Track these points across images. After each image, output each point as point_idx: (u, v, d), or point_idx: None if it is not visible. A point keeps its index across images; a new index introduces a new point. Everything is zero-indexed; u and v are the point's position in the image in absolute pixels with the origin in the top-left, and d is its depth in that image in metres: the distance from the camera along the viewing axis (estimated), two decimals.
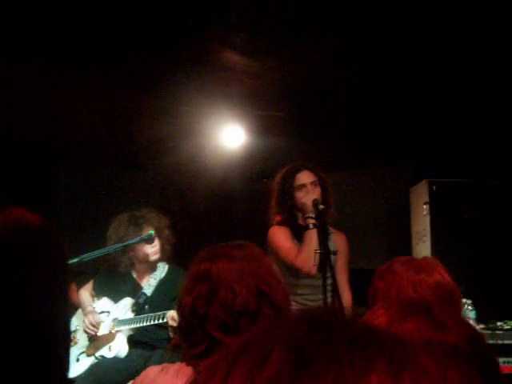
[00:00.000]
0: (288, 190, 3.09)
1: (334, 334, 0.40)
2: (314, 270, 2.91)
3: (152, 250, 3.23)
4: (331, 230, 3.22)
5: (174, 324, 2.90)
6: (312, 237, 2.92)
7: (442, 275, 1.61)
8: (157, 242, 3.25)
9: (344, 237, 3.26)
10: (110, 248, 2.97)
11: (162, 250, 3.30)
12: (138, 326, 3.05)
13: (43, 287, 0.72)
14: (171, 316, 2.90)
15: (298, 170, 3.11)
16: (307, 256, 2.91)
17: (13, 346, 0.67)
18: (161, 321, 2.96)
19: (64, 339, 0.78)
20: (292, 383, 0.36)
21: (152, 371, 1.43)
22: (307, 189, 3.04)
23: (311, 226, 2.95)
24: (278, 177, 3.19)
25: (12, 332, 0.68)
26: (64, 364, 0.77)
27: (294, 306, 3.05)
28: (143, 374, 1.45)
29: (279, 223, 3.17)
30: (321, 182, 3.11)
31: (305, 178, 3.09)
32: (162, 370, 1.41)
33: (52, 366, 0.73)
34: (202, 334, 1.37)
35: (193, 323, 1.40)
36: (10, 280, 0.69)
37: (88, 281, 3.39)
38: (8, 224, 0.72)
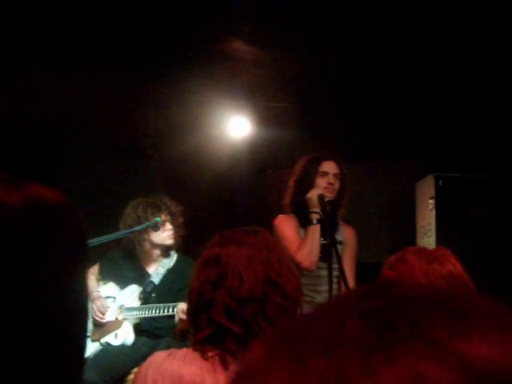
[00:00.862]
0: (311, 173, 3.07)
1: (415, 302, 0.36)
2: (313, 266, 2.91)
3: (167, 234, 3.22)
4: (340, 222, 3.21)
5: (184, 317, 2.89)
6: (315, 232, 2.92)
7: (454, 266, 1.60)
8: (171, 227, 3.24)
9: (353, 230, 3.24)
10: (117, 234, 2.96)
11: (176, 231, 3.28)
12: (146, 315, 3.03)
13: (60, 266, 0.71)
14: (181, 309, 2.88)
15: (326, 158, 3.11)
16: (308, 251, 2.91)
17: (25, 324, 0.66)
18: (170, 312, 2.95)
19: (81, 320, 0.77)
20: (377, 349, 0.32)
21: (159, 356, 1.42)
22: (329, 178, 3.04)
23: (315, 221, 2.94)
24: (303, 161, 3.17)
25: (27, 310, 0.66)
26: (81, 344, 0.75)
27: (306, 297, 3.06)
28: (150, 359, 1.44)
29: (283, 211, 3.18)
30: (342, 178, 3.10)
31: (330, 167, 3.08)
32: (169, 355, 1.40)
33: (68, 346, 0.71)
34: (208, 318, 1.36)
35: (199, 308, 1.40)
36: (26, 256, 0.67)
37: (92, 266, 3.38)
38: (27, 200, 0.70)
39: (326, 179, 3.03)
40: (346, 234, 3.19)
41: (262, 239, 1.47)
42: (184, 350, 1.40)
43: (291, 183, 3.16)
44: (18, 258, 0.66)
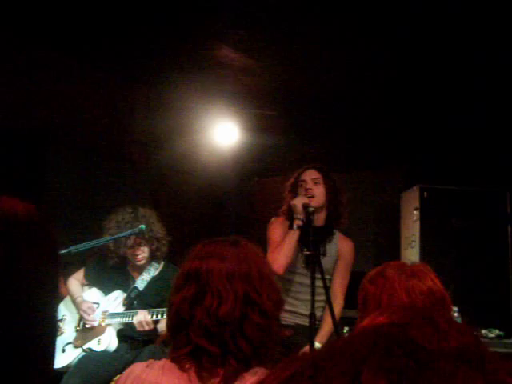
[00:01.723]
0: (294, 184, 3.15)
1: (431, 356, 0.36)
2: (281, 271, 2.93)
3: (138, 256, 3.18)
4: (338, 234, 3.22)
5: (141, 329, 2.92)
6: (292, 238, 2.95)
7: (433, 281, 1.61)
8: (143, 250, 3.19)
9: (350, 243, 3.23)
10: (100, 241, 2.94)
11: (153, 253, 3.24)
12: (129, 321, 3.02)
13: (31, 276, 0.71)
14: (139, 321, 2.91)
15: (305, 169, 3.17)
16: (280, 255, 2.94)
17: None
18: (154, 318, 2.94)
19: (51, 329, 0.78)
20: None
21: (137, 367, 1.43)
22: (308, 184, 3.07)
23: (295, 227, 2.97)
24: (295, 173, 3.25)
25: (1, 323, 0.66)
26: (50, 354, 0.76)
27: (287, 305, 3.07)
28: (128, 370, 1.44)
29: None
30: (327, 184, 3.12)
31: (308, 174, 3.13)
32: (148, 366, 1.41)
33: (37, 356, 0.72)
34: (186, 337, 1.36)
35: (177, 325, 1.40)
36: None
37: (75, 272, 3.35)
38: None
39: (304, 186, 3.08)
40: (341, 246, 3.20)
41: (242, 251, 1.46)
42: (162, 361, 1.41)
43: (286, 193, 3.22)
44: None
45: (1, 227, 0.70)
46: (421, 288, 1.57)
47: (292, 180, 3.22)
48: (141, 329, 2.90)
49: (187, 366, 1.35)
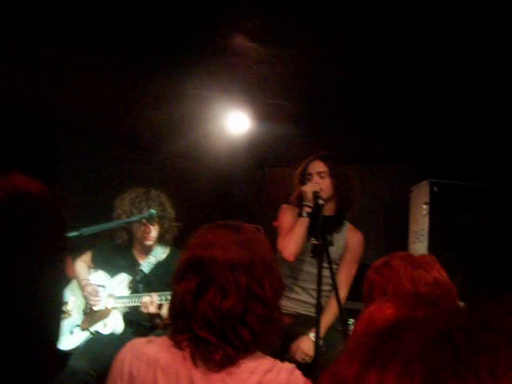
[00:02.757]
0: (301, 177, 3.14)
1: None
2: (292, 258, 2.93)
3: (148, 234, 3.20)
4: (348, 225, 3.20)
5: (147, 311, 2.91)
6: (301, 225, 2.94)
7: (439, 272, 1.62)
8: (154, 228, 3.20)
9: (359, 235, 3.23)
10: (111, 224, 2.96)
11: (162, 235, 3.25)
12: (134, 304, 3.04)
13: (38, 255, 0.72)
14: (144, 303, 2.90)
15: (312, 160, 3.16)
16: (290, 241, 2.94)
17: (2, 313, 0.67)
18: (158, 302, 2.96)
19: (57, 309, 0.78)
20: None
21: (138, 341, 1.48)
22: (314, 178, 3.06)
23: (304, 214, 2.96)
24: (303, 163, 3.24)
25: (3, 299, 0.67)
26: (55, 334, 0.76)
27: (291, 293, 3.08)
28: (129, 343, 1.48)
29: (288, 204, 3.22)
30: (334, 175, 3.10)
31: (313, 167, 3.12)
32: (149, 341, 1.45)
33: (43, 336, 0.72)
34: (187, 326, 1.38)
35: (180, 314, 1.42)
36: (5, 244, 0.68)
37: (84, 254, 3.37)
38: (7, 189, 0.71)
39: (310, 180, 3.07)
40: (350, 238, 3.18)
41: (245, 238, 1.47)
42: (163, 338, 1.45)
43: (295, 182, 3.21)
44: None
45: (12, 202, 0.71)
46: (426, 278, 1.57)
47: (301, 169, 3.21)
48: (144, 310, 2.90)
49: (185, 343, 1.38)
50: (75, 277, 3.32)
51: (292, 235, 2.95)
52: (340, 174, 3.12)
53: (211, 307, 1.36)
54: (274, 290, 1.44)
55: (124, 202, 3.17)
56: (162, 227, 3.22)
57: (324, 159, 3.14)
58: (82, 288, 3.23)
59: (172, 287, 1.47)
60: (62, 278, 0.81)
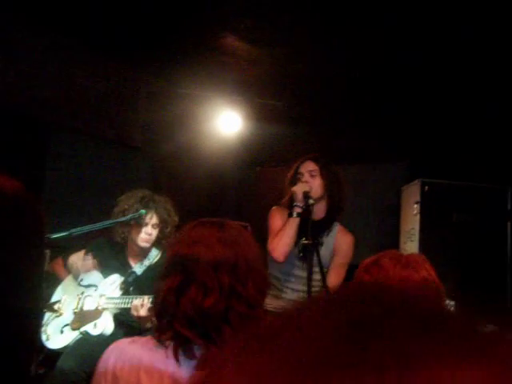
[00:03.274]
0: (292, 178, 3.13)
1: (396, 312, 0.33)
2: (282, 258, 2.92)
3: (144, 236, 3.18)
4: (338, 227, 3.19)
5: (135, 314, 2.88)
6: (292, 225, 2.93)
7: (428, 272, 1.62)
8: (152, 231, 3.19)
9: (349, 237, 3.17)
10: (101, 224, 2.95)
11: (160, 239, 3.23)
12: (124, 306, 3.03)
13: (13, 256, 0.71)
14: (135, 306, 2.87)
15: (303, 161, 3.14)
16: (280, 242, 2.91)
17: None
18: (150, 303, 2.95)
19: (35, 313, 0.77)
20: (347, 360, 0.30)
21: (122, 342, 1.48)
22: (304, 177, 3.06)
23: (295, 214, 2.95)
24: (293, 166, 3.23)
25: None
26: (32, 338, 0.76)
27: (281, 293, 3.08)
28: (113, 344, 1.48)
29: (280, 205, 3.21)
30: (324, 175, 3.09)
31: (304, 167, 3.11)
32: (132, 341, 1.45)
33: (20, 339, 0.72)
34: (169, 324, 1.38)
35: (162, 313, 1.41)
36: None
37: (74, 253, 3.36)
38: None
39: (301, 179, 3.06)
40: (340, 240, 3.16)
41: (229, 236, 1.46)
42: (146, 338, 1.45)
43: (286, 185, 3.20)
44: None
45: None
46: (415, 278, 1.58)
47: (292, 172, 3.20)
48: (135, 313, 2.89)
49: (167, 343, 1.38)
50: (67, 275, 3.31)
51: (282, 235, 2.94)
52: (330, 175, 3.11)
53: (192, 305, 1.36)
54: (257, 288, 1.43)
55: (131, 200, 3.15)
56: (162, 232, 3.20)
57: (315, 159, 3.14)
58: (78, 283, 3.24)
59: (156, 286, 1.47)
60: (39, 276, 0.80)
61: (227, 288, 1.37)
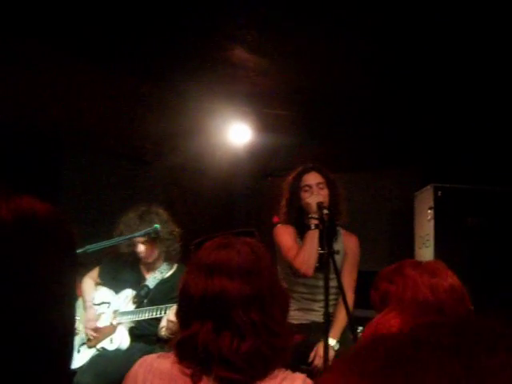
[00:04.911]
0: (295, 190, 3.12)
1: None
2: (311, 272, 2.92)
3: (147, 253, 3.19)
4: (342, 231, 3.21)
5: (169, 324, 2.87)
6: (313, 237, 2.93)
7: (453, 278, 1.61)
8: (154, 247, 3.20)
9: (355, 239, 3.23)
10: (115, 240, 2.96)
11: (165, 252, 3.25)
12: (139, 318, 3.04)
13: (48, 275, 0.72)
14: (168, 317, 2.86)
15: (306, 171, 3.14)
16: (306, 256, 2.92)
17: (15, 336, 0.67)
18: (163, 314, 2.95)
19: (69, 330, 0.78)
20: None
21: (149, 357, 1.51)
22: (312, 190, 3.06)
23: (313, 226, 2.95)
24: (289, 177, 3.21)
25: (18, 322, 0.67)
26: (68, 355, 0.76)
27: (300, 304, 3.08)
28: (141, 359, 1.51)
29: (279, 222, 3.20)
30: (329, 185, 3.10)
31: (311, 178, 3.10)
32: (159, 357, 1.48)
33: (56, 358, 0.72)
34: (208, 370, 1.39)
35: (194, 357, 1.41)
36: (13, 268, 0.68)
37: (90, 271, 3.38)
38: (15, 212, 0.71)
39: (310, 191, 3.05)
40: (346, 242, 3.19)
41: (248, 261, 1.46)
42: (172, 353, 1.47)
43: (283, 203, 3.20)
44: (5, 269, 0.67)
45: (19, 226, 0.71)
46: (444, 285, 1.56)
47: (294, 181, 3.18)
48: (168, 331, 2.85)
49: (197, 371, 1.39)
50: (81, 295, 3.33)
51: (305, 250, 2.94)
52: (332, 183, 3.13)
53: (230, 351, 1.37)
54: (281, 309, 1.45)
55: (130, 218, 3.18)
56: (162, 244, 3.21)
57: (319, 170, 3.14)
58: (84, 309, 3.24)
59: (179, 315, 1.48)
60: (74, 297, 0.81)
61: (260, 327, 1.39)
